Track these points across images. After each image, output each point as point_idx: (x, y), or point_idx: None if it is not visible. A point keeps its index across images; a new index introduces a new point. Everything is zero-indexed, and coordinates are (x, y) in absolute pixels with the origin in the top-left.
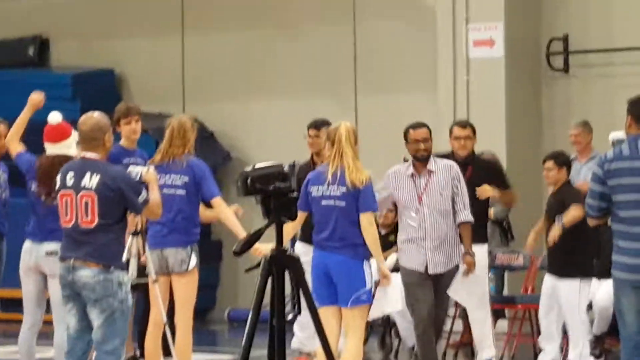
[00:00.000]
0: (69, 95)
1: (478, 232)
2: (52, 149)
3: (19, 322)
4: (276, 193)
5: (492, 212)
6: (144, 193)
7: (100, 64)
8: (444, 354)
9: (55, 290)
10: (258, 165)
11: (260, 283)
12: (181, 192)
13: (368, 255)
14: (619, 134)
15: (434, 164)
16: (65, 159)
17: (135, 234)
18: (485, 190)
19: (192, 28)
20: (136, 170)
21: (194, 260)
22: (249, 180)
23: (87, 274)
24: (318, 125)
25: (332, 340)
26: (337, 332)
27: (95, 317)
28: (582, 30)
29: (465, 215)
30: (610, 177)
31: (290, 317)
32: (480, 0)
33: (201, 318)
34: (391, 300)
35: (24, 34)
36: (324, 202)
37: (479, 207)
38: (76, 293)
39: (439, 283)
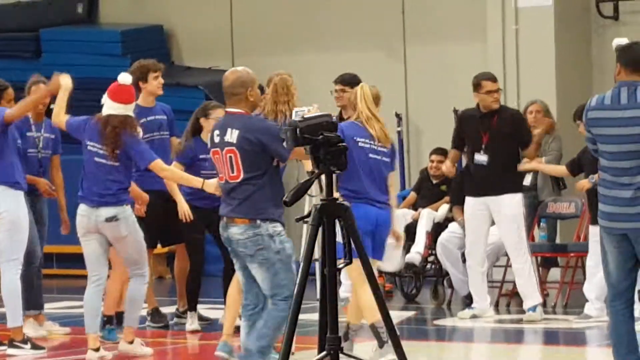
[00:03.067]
0: (119, 52)
1: (512, 180)
2: (118, 109)
3: (72, 277)
4: (325, 143)
5: (543, 160)
6: None
7: (149, 20)
8: (497, 303)
9: (120, 250)
10: (307, 116)
11: (311, 233)
12: None
13: None
14: (623, 40)
15: None
16: (129, 119)
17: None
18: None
19: None
20: (301, 110)
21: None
22: (297, 131)
23: (236, 230)
24: (345, 80)
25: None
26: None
27: (256, 272)
28: None
29: None
30: (592, 126)
31: (341, 265)
32: None
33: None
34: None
35: None
36: (372, 156)
37: (510, 157)
38: (235, 249)
39: None
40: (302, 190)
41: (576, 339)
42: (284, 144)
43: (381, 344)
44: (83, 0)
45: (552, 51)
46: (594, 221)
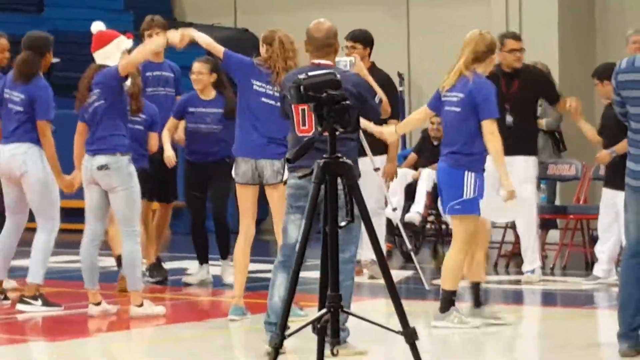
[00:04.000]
0: (121, 7)
1: (527, 143)
2: (95, 58)
3: (79, 231)
4: (329, 101)
5: (544, 122)
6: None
7: None
8: (496, 264)
9: (114, 203)
10: (311, 73)
11: (314, 191)
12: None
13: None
14: None
15: None
16: (98, 67)
17: None
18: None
19: None
20: (343, 61)
21: (286, 173)
22: (301, 88)
23: None
24: (356, 37)
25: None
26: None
27: None
28: None
29: None
30: (622, 89)
31: (343, 224)
32: None
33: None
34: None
35: None
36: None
37: (532, 118)
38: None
39: None
40: (304, 147)
41: (576, 300)
42: (290, 100)
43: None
44: None
45: (554, 13)
46: (608, 184)
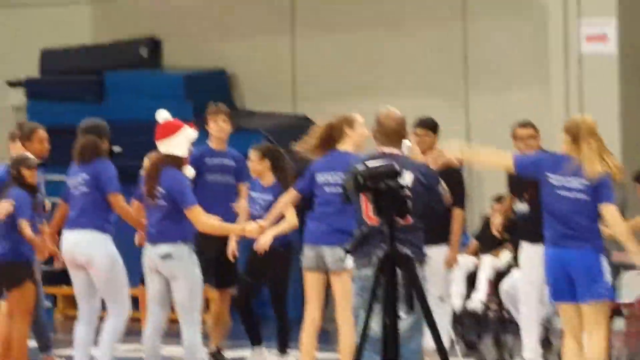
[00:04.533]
0: (182, 96)
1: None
2: (159, 146)
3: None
4: (387, 191)
5: None
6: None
7: (211, 64)
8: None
9: (178, 292)
10: (369, 163)
11: (374, 283)
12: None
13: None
14: None
15: None
16: (169, 158)
17: None
18: None
19: (302, 29)
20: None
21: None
22: (359, 178)
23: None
24: (426, 124)
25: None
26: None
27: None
28: None
29: None
30: None
31: (403, 315)
32: None
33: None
34: None
35: (137, 35)
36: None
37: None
38: None
39: None
40: (363, 239)
41: None
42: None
43: None
44: (147, 44)
45: (616, 98)
46: None
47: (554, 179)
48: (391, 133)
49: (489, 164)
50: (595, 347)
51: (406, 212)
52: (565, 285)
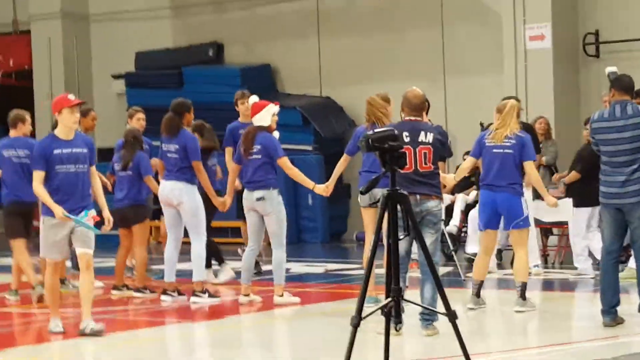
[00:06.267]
0: (238, 84)
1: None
2: (253, 120)
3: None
4: (389, 149)
5: (543, 159)
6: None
7: (260, 60)
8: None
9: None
10: (376, 130)
11: (380, 213)
12: None
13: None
14: (613, 68)
15: None
16: (257, 128)
17: None
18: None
19: (325, 32)
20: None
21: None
22: (370, 141)
23: (433, 204)
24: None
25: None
26: None
27: (430, 236)
28: (609, 26)
29: None
30: (595, 133)
31: (401, 237)
32: (534, 6)
33: (337, 239)
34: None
35: (205, 40)
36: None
37: None
38: (426, 218)
39: None
40: (373, 183)
41: (569, 286)
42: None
43: (523, 298)
44: (213, 46)
45: (550, 81)
46: (576, 204)
47: (489, 142)
48: (415, 107)
49: (466, 171)
50: (521, 259)
51: (404, 164)
52: (493, 218)
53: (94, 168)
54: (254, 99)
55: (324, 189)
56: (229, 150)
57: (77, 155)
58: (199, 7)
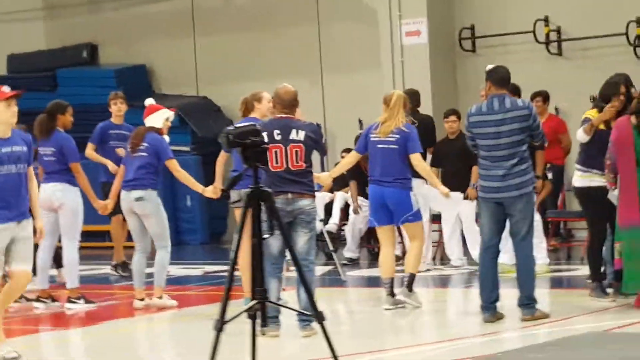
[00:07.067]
0: (114, 85)
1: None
2: (146, 121)
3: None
4: (251, 145)
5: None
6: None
7: (135, 61)
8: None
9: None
10: (237, 125)
11: (243, 212)
12: None
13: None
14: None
15: None
16: (147, 129)
17: None
18: None
19: (200, 31)
20: None
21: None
22: (230, 136)
23: (307, 202)
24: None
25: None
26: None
27: (302, 236)
28: (485, 21)
29: None
30: (473, 127)
31: (266, 236)
32: (409, 2)
33: (217, 239)
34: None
35: (79, 41)
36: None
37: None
38: (299, 217)
39: None
40: (235, 181)
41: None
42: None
43: (409, 290)
44: (87, 48)
45: (428, 76)
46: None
47: (373, 136)
48: (288, 104)
49: (346, 166)
50: (414, 250)
51: (266, 161)
52: (383, 213)
53: (31, 169)
54: (150, 101)
55: (213, 191)
56: (91, 146)
57: (18, 154)
58: (73, 7)
